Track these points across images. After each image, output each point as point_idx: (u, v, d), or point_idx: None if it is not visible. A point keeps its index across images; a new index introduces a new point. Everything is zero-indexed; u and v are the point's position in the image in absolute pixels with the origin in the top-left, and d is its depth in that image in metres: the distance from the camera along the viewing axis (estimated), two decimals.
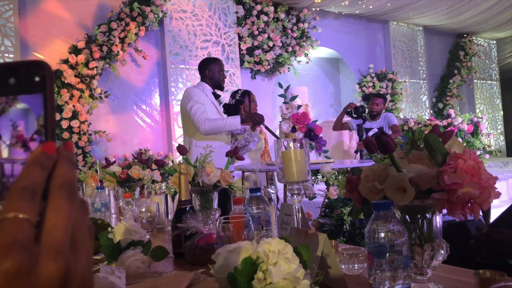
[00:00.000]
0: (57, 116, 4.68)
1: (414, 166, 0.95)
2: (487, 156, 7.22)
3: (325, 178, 2.44)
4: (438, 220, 0.99)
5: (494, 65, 9.87)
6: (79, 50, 4.87)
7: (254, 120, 3.23)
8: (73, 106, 4.73)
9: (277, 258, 0.73)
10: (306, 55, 6.72)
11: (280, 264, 0.72)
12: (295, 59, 6.68)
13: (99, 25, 5.00)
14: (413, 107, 8.11)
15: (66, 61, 4.79)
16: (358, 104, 4.89)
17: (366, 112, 4.86)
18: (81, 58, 4.79)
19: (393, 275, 0.73)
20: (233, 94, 3.69)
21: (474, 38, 9.30)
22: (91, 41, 4.97)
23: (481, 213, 0.94)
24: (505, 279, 0.86)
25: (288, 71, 6.62)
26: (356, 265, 1.15)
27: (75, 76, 4.78)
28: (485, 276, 0.86)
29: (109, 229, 1.25)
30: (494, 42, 9.90)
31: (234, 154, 1.91)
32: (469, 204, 0.90)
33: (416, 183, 0.91)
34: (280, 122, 3.27)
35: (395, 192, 0.91)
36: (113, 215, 2.19)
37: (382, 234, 0.75)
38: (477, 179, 0.89)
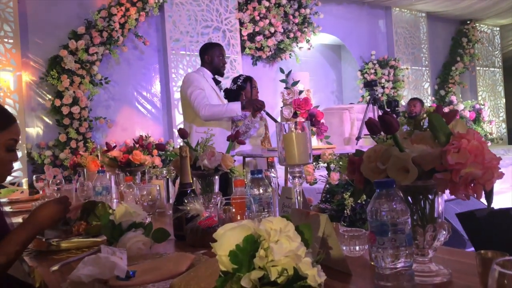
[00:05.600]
0: (58, 102, 4.67)
1: (417, 146, 0.94)
2: (489, 143, 7.20)
3: (326, 163, 2.43)
4: (440, 201, 0.98)
5: (497, 52, 9.79)
6: (79, 35, 4.83)
7: (255, 106, 3.21)
8: (74, 92, 4.71)
9: (278, 236, 0.72)
10: (307, 41, 6.67)
11: (281, 242, 0.72)
12: (297, 45, 6.63)
13: (99, 10, 4.95)
14: (415, 94, 8.06)
15: (66, 47, 4.75)
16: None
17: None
18: (81, 43, 4.75)
19: (396, 253, 0.73)
20: (235, 80, 3.67)
21: (477, 24, 9.21)
22: (91, 26, 4.93)
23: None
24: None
25: (290, 57, 6.57)
26: (357, 247, 1.15)
27: (75, 62, 4.75)
28: (487, 256, 0.86)
29: (110, 211, 1.25)
30: (498, 29, 9.80)
31: (235, 138, 1.90)
32: (472, 185, 0.89)
33: (419, 163, 0.90)
34: (281, 107, 3.25)
35: (398, 172, 0.91)
36: (114, 200, 2.19)
37: (385, 212, 0.74)
38: (481, 159, 0.88)
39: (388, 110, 4.61)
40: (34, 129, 4.73)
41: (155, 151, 3.30)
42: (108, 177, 2.10)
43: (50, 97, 4.75)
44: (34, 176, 2.45)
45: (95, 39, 4.85)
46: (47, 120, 4.78)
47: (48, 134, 4.76)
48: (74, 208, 1.44)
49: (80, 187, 2.02)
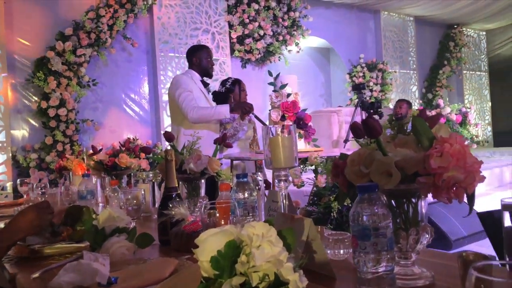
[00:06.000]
0: (44, 104, 4.61)
1: (400, 150, 0.94)
2: (475, 146, 7.28)
3: (313, 166, 2.43)
4: (423, 204, 0.99)
5: (483, 56, 9.92)
6: (67, 37, 4.78)
7: (244, 109, 3.20)
8: (60, 94, 4.66)
9: (260, 241, 0.72)
10: (297, 44, 6.69)
11: (263, 247, 0.71)
12: (286, 48, 6.64)
13: (87, 11, 4.92)
14: (403, 97, 8.12)
15: (53, 48, 4.70)
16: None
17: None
18: (69, 45, 4.70)
19: (377, 257, 0.73)
20: (223, 82, 3.66)
21: (464, 29, 9.33)
22: (78, 28, 4.88)
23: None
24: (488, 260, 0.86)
25: (279, 60, 6.58)
26: (341, 250, 1.15)
27: (63, 63, 4.70)
28: (468, 259, 0.87)
29: (94, 215, 1.24)
30: (484, 33, 9.94)
31: (222, 141, 1.89)
32: (454, 188, 0.90)
33: (402, 167, 0.90)
34: (269, 110, 3.25)
35: (381, 176, 0.91)
36: (100, 204, 2.17)
37: (366, 217, 0.74)
38: (463, 163, 0.89)
39: (371, 111, 4.64)
40: (20, 132, 4.67)
41: (142, 154, 3.27)
42: (94, 181, 2.08)
43: (36, 99, 4.69)
44: (18, 180, 2.42)
45: (82, 41, 4.81)
46: (33, 122, 4.72)
47: (33, 137, 4.70)
48: (58, 212, 1.42)
49: (65, 191, 2.00)
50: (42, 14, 4.80)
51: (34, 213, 1.23)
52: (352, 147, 4.24)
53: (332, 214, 2.18)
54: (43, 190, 2.12)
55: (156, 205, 1.89)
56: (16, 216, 1.22)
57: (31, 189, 2.17)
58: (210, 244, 0.74)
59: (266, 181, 2.52)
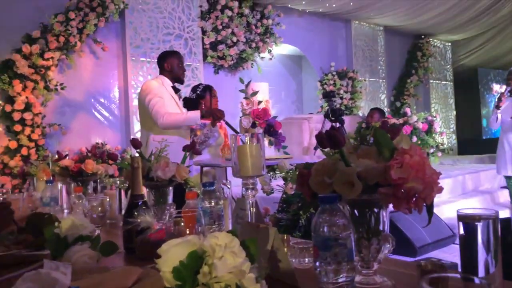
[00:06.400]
0: (8, 108, 4.47)
1: (362, 161, 0.96)
2: (440, 153, 7.48)
3: (282, 173, 2.45)
4: (384, 214, 1.01)
5: (448, 67, 10.25)
6: (34, 39, 4.66)
7: (215, 115, 3.20)
8: (26, 97, 4.53)
9: (223, 252, 0.72)
10: (269, 51, 6.74)
11: (226, 257, 0.71)
12: (259, 55, 6.68)
13: (56, 14, 4.81)
14: (372, 106, 8.27)
15: (19, 51, 4.57)
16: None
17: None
18: (36, 48, 4.59)
19: (337, 268, 0.75)
20: (194, 89, 3.65)
21: (431, 39, 9.62)
22: (46, 30, 4.77)
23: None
24: (445, 271, 0.89)
25: (252, 67, 6.62)
26: (306, 259, 1.16)
27: (29, 66, 4.58)
28: (427, 268, 0.89)
29: (56, 223, 1.21)
30: (449, 44, 10.28)
31: (191, 148, 1.89)
32: (414, 199, 0.93)
33: (364, 177, 0.92)
34: (240, 117, 3.26)
35: (344, 186, 0.93)
36: (65, 211, 2.12)
37: (327, 228, 0.76)
38: (422, 174, 0.91)
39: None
40: None
41: (111, 160, 3.22)
42: (58, 187, 2.03)
43: (0, 102, 4.55)
44: None
45: (51, 44, 4.70)
46: None
47: None
48: (19, 219, 1.38)
49: (28, 197, 1.95)
50: (8, 16, 4.66)
51: None
52: (322, 154, 4.29)
53: (300, 221, 2.20)
54: (5, 196, 2.05)
55: (123, 212, 1.86)
56: None
57: None
58: (172, 254, 0.74)
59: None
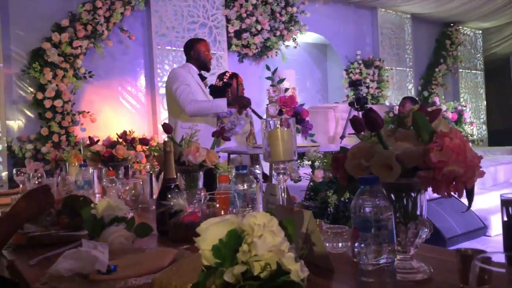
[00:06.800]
0: (40, 96, 4.58)
1: (400, 144, 0.95)
2: (470, 144, 7.30)
3: (310, 161, 2.44)
4: (422, 198, 0.99)
5: (479, 55, 9.95)
6: (63, 28, 4.75)
7: (241, 103, 3.20)
8: (56, 85, 4.63)
9: (262, 231, 0.72)
10: (294, 39, 6.68)
11: (265, 236, 0.71)
12: (283, 44, 6.63)
13: (84, 3, 4.88)
14: (399, 95, 8.15)
15: (49, 39, 4.67)
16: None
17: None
18: (65, 36, 4.67)
19: (378, 249, 0.74)
20: (221, 76, 3.66)
21: (460, 27, 9.35)
22: (75, 19, 4.85)
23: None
24: None
25: (276, 55, 6.57)
26: (340, 244, 1.16)
27: (59, 55, 4.67)
28: (467, 254, 0.87)
29: (92, 205, 1.24)
30: (480, 32, 9.97)
31: (220, 134, 1.89)
32: (454, 183, 0.90)
33: (402, 160, 0.91)
34: (267, 105, 3.25)
35: (381, 169, 0.91)
36: (97, 195, 2.16)
37: (368, 209, 0.74)
38: (463, 158, 0.89)
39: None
40: (15, 122, 4.64)
41: (138, 147, 3.27)
42: (90, 171, 2.07)
43: (32, 90, 4.66)
44: (14, 170, 2.40)
45: (79, 32, 4.78)
46: (28, 113, 4.69)
47: (29, 128, 4.68)
48: (55, 202, 1.41)
49: (62, 181, 1.99)
50: (38, 5, 4.76)
51: (36, 196, 1.23)
52: (348, 143, 4.25)
53: (328, 209, 2.18)
54: (40, 180, 2.11)
55: (154, 197, 1.89)
56: (19, 200, 1.23)
57: (27, 179, 2.16)
58: (211, 233, 0.74)
59: (264, 174, 2.52)
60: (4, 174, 4.30)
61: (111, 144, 2.15)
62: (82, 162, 2.19)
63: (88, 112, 4.94)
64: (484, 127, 9.67)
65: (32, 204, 1.21)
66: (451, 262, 0.97)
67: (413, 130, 0.97)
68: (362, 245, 0.74)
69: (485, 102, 9.85)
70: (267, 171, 2.72)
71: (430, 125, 0.95)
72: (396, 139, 0.97)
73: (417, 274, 0.94)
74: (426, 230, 0.97)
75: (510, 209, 0.87)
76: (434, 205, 3.46)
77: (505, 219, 0.87)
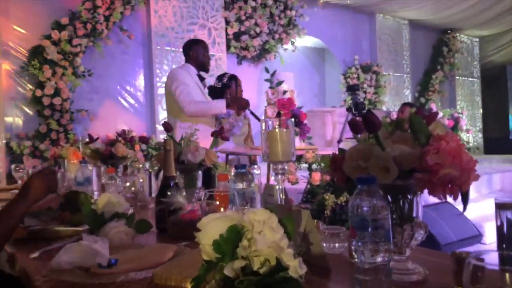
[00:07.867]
0: (39, 93, 4.58)
1: (397, 146, 0.97)
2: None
3: (307, 164, 2.45)
4: (418, 200, 1.01)
5: (475, 63, 10.01)
6: (63, 26, 4.75)
7: (240, 105, 3.22)
8: (55, 83, 4.63)
9: (262, 227, 0.74)
10: (292, 43, 6.71)
11: (265, 232, 0.73)
12: (282, 47, 6.66)
13: (84, 1, 4.88)
14: (395, 101, 8.20)
15: (48, 37, 4.67)
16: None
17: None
18: (65, 34, 4.68)
19: (375, 248, 0.76)
20: (220, 77, 3.67)
21: (457, 34, 9.41)
22: (75, 17, 4.86)
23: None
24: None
25: (274, 58, 6.60)
26: (337, 244, 1.18)
27: (58, 52, 4.67)
28: (461, 256, 0.89)
29: (92, 201, 1.25)
30: (477, 40, 10.04)
31: (219, 134, 1.91)
32: (450, 185, 0.92)
33: (399, 162, 0.93)
34: (265, 107, 3.27)
35: (379, 170, 0.93)
36: (96, 192, 2.17)
37: (366, 208, 0.76)
38: (458, 161, 0.91)
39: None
40: (14, 119, 4.64)
41: (137, 146, 3.28)
42: (90, 168, 2.08)
43: (31, 87, 4.66)
44: (12, 166, 2.40)
45: (78, 31, 4.79)
46: (27, 110, 4.69)
47: (28, 125, 4.67)
48: (55, 198, 1.43)
49: (61, 177, 2.00)
50: (38, 3, 4.76)
51: (41, 177, 1.25)
52: (345, 148, 4.28)
53: (325, 212, 2.20)
54: None
55: (153, 195, 1.90)
56: (25, 184, 1.25)
57: (26, 174, 2.17)
58: (212, 228, 0.76)
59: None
60: (2, 170, 4.30)
61: (110, 142, 2.16)
62: (81, 160, 2.19)
63: (87, 110, 4.94)
64: (480, 135, 9.72)
65: (40, 184, 1.24)
66: (446, 264, 0.99)
67: (410, 133, 0.99)
68: (359, 243, 0.76)
69: (481, 110, 9.91)
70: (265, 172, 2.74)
71: (426, 128, 0.97)
72: (393, 141, 0.99)
73: (412, 275, 0.96)
74: (422, 232, 0.99)
75: (503, 212, 0.89)
76: (430, 212, 3.49)
77: (499, 223, 0.89)
